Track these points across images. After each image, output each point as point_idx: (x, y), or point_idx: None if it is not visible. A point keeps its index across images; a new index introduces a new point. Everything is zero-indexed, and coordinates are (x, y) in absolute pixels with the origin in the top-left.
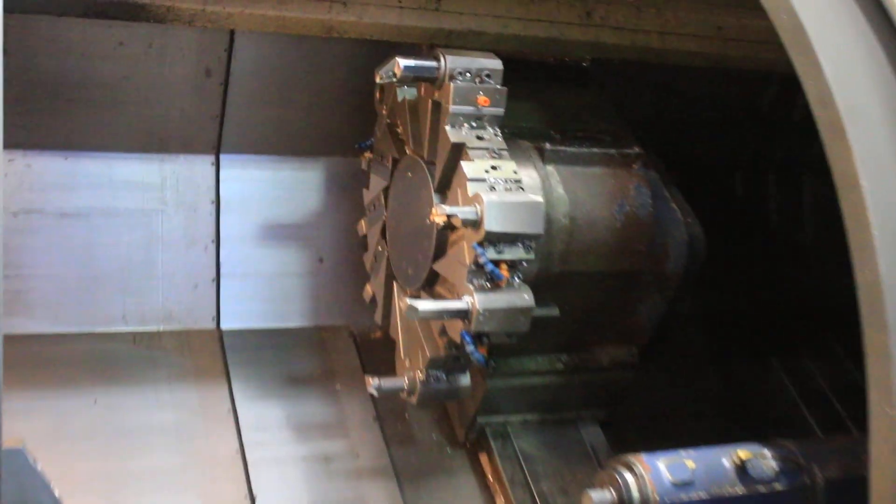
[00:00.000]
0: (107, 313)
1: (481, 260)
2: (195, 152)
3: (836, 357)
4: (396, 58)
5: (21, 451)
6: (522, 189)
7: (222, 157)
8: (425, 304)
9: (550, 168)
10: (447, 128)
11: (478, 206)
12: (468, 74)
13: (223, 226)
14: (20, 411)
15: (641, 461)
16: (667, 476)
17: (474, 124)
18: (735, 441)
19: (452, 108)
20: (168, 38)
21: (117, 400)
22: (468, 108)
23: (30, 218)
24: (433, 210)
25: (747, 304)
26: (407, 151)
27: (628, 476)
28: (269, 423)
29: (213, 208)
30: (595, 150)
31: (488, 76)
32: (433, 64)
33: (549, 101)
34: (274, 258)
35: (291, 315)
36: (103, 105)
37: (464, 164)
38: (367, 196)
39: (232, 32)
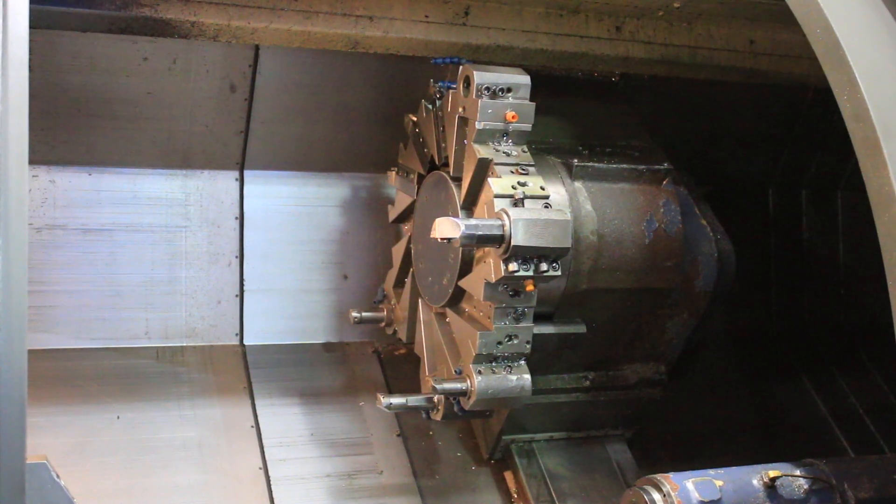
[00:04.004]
0: (130, 329)
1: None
2: (219, 168)
3: (868, 375)
4: (457, 221)
5: (45, 466)
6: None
7: (246, 172)
8: (397, 399)
9: (578, 184)
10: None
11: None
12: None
13: (247, 242)
14: (44, 426)
15: (669, 480)
16: (695, 495)
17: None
18: (765, 460)
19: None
20: (192, 54)
21: (140, 415)
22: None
23: (54, 233)
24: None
25: (778, 321)
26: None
27: (656, 495)
28: (292, 440)
29: (236, 224)
30: (623, 165)
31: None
32: (497, 231)
33: (577, 117)
34: (298, 274)
35: (315, 331)
36: (127, 121)
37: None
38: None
39: (257, 48)
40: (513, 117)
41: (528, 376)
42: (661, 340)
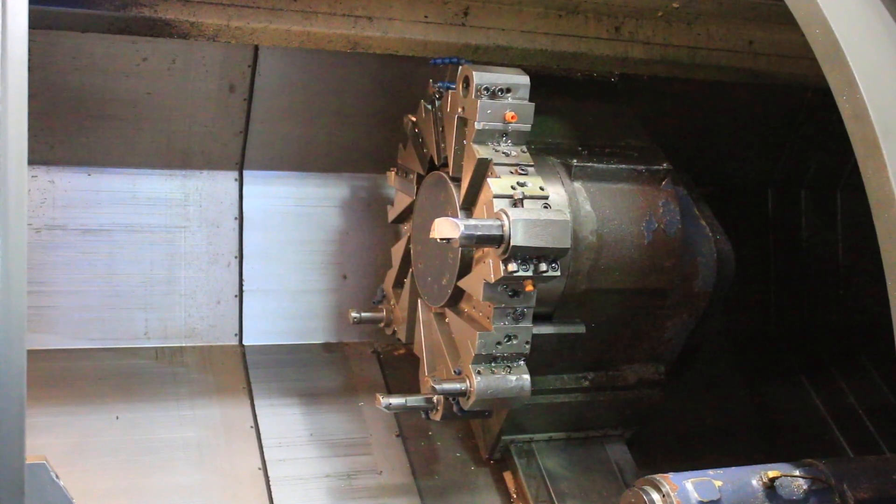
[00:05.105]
0: (129, 329)
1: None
2: (218, 168)
3: (867, 375)
4: (456, 221)
5: (44, 466)
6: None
7: (245, 173)
8: (397, 399)
9: (577, 185)
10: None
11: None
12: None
13: (246, 242)
14: (43, 426)
15: (668, 480)
16: (694, 496)
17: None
18: (764, 460)
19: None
20: (192, 54)
21: (139, 416)
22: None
23: (53, 234)
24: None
25: (778, 321)
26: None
27: (655, 495)
28: (291, 440)
29: (236, 224)
30: (623, 166)
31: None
32: (496, 232)
33: (576, 117)
34: (297, 275)
35: (314, 331)
36: (126, 121)
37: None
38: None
39: (256, 48)
40: (512, 117)
41: (527, 376)
42: (661, 341)
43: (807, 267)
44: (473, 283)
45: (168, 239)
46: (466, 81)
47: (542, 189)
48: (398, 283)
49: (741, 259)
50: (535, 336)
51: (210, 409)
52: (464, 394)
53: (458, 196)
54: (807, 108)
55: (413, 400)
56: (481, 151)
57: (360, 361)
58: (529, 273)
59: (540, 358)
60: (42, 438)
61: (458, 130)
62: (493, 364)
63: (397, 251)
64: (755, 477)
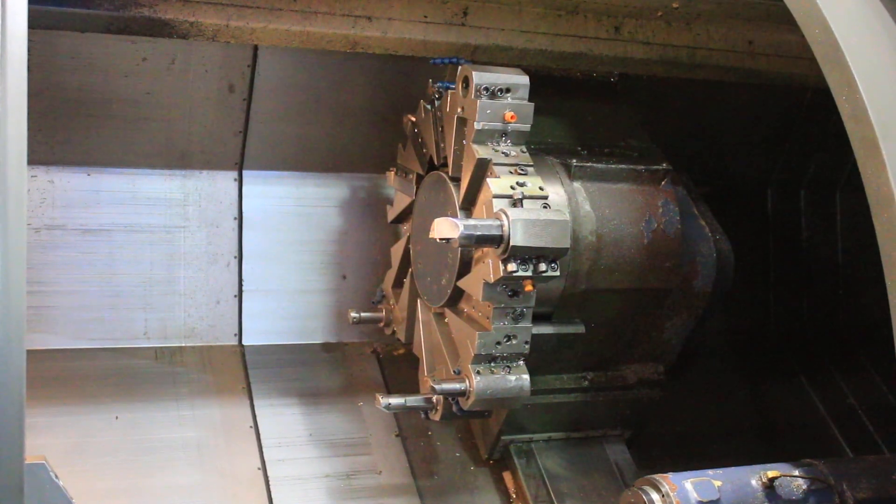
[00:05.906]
0: (129, 329)
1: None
2: (218, 168)
3: (867, 375)
4: (456, 221)
5: (43, 466)
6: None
7: (245, 173)
8: (396, 399)
9: (577, 184)
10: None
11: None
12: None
13: (245, 242)
14: (42, 426)
15: (668, 480)
16: (693, 496)
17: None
18: (764, 460)
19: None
20: (191, 54)
21: (139, 416)
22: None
23: (52, 234)
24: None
25: (777, 321)
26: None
27: (654, 495)
28: (290, 440)
29: (235, 224)
30: (622, 166)
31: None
32: (496, 231)
33: (575, 117)
34: (296, 275)
35: (314, 331)
36: (126, 121)
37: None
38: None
39: (255, 48)
40: (511, 117)
41: (526, 376)
42: (660, 341)
43: (807, 267)
44: (473, 283)
45: (168, 239)
46: (466, 81)
47: (541, 189)
48: (398, 283)
49: (741, 259)
50: (534, 336)
51: (210, 409)
52: (463, 394)
53: (458, 196)
54: (807, 108)
55: (412, 400)
56: (481, 151)
57: (360, 361)
58: (529, 273)
59: (539, 358)
60: (42, 438)
61: (457, 130)
62: (492, 364)
63: (397, 251)
64: (755, 477)
